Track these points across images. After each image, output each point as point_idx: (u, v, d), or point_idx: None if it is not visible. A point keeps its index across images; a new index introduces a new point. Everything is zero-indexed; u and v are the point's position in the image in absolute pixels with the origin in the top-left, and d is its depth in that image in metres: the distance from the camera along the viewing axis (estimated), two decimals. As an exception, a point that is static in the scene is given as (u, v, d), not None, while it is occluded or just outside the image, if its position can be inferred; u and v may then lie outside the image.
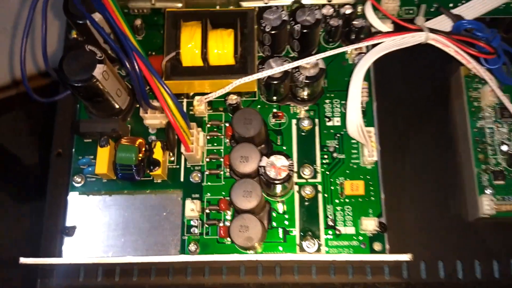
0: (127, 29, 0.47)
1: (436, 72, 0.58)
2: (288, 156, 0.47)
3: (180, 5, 0.56)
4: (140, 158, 0.50)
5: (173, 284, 0.52)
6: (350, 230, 0.50)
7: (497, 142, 0.55)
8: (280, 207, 0.51)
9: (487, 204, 0.52)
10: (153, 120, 0.52)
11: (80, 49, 0.46)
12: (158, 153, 0.50)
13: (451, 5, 0.58)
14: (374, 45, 0.51)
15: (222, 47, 0.50)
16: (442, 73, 0.58)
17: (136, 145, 0.49)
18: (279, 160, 0.46)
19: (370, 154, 0.50)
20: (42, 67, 0.79)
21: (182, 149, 0.50)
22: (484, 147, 0.55)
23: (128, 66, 0.46)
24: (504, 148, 0.54)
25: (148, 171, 0.51)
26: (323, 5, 0.54)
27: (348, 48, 0.50)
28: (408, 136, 0.57)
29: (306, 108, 0.54)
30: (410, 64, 0.58)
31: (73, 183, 0.53)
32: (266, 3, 0.55)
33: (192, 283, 0.51)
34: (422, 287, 0.53)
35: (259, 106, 0.55)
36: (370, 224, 0.49)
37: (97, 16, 0.48)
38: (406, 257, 0.45)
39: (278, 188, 0.48)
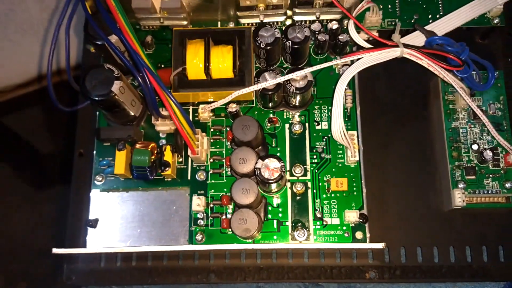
0: (140, 49, 0.53)
1: (417, 77, 0.63)
2: (280, 159, 0.53)
3: (185, 22, 0.62)
4: (152, 160, 0.57)
5: (182, 267, 0.58)
6: (336, 221, 0.57)
7: (470, 141, 0.61)
8: (275, 202, 0.58)
9: (459, 197, 0.57)
10: (163, 126, 0.58)
11: (99, 67, 0.53)
12: (168, 155, 0.57)
13: (430, 16, 0.64)
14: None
15: (223, 62, 0.57)
16: (422, 78, 0.63)
17: (149, 149, 0.56)
18: (272, 163, 0.53)
19: (352, 155, 0.57)
20: (61, 65, 0.84)
21: (189, 152, 0.57)
22: (458, 146, 0.60)
23: (141, 82, 0.53)
24: (475, 147, 0.59)
25: (160, 171, 0.58)
26: (313, 21, 0.61)
27: (333, 63, 0.56)
28: (390, 135, 0.62)
29: (298, 113, 0.61)
30: (394, 70, 0.63)
31: (95, 181, 0.59)
32: (261, 20, 0.62)
33: (199, 266, 0.58)
34: (401, 270, 0.59)
35: (256, 112, 0.61)
36: (352, 216, 0.56)
37: (113, 38, 0.54)
38: (380, 245, 0.51)
39: (272, 186, 0.54)
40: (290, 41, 0.57)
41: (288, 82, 0.56)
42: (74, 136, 0.65)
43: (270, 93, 0.56)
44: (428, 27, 0.59)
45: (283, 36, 0.57)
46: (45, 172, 0.87)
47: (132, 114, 0.58)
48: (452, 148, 0.60)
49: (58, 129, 0.85)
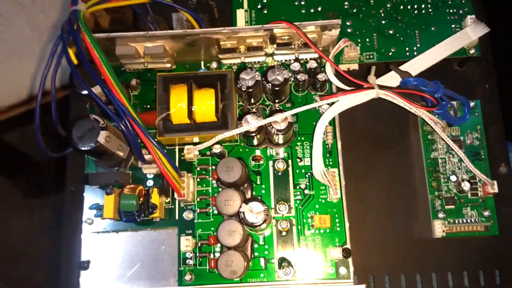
0: (124, 99, 0.55)
1: (396, 108, 0.62)
2: (264, 202, 0.55)
3: (169, 65, 0.63)
4: (140, 203, 0.58)
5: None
6: (320, 257, 0.58)
7: (449, 171, 0.62)
8: (261, 239, 0.60)
9: (439, 228, 0.60)
10: (150, 169, 0.60)
11: (85, 118, 0.55)
12: (155, 198, 0.59)
13: (407, 49, 0.67)
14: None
15: (205, 105, 0.58)
16: (401, 108, 0.64)
17: (136, 193, 0.57)
18: (256, 206, 0.55)
19: (334, 192, 0.59)
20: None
21: (176, 194, 0.58)
22: (437, 176, 0.62)
23: (125, 131, 0.55)
24: (453, 178, 0.61)
25: (148, 213, 0.59)
26: (293, 61, 0.62)
27: (312, 106, 0.58)
28: (370, 165, 0.64)
29: (283, 149, 0.62)
30: (373, 101, 0.64)
31: (85, 224, 0.61)
32: (243, 61, 0.64)
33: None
34: (386, 298, 0.61)
35: (240, 150, 0.62)
36: (335, 252, 0.57)
37: (98, 88, 0.56)
38: (362, 287, 0.53)
39: (259, 228, 0.56)
40: (270, 84, 0.58)
41: (269, 124, 0.57)
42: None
43: (252, 134, 0.58)
44: (403, 66, 0.61)
45: (263, 78, 0.59)
46: (41, 180, 0.88)
47: (120, 157, 0.60)
48: (432, 178, 0.62)
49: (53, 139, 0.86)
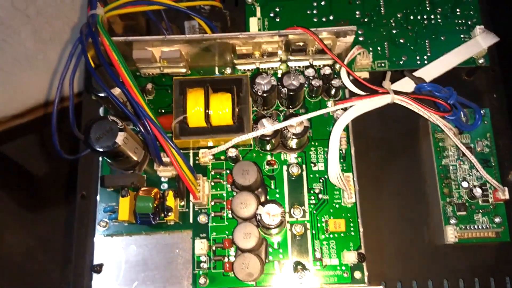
0: (142, 101, 0.55)
1: (407, 115, 0.64)
2: (280, 204, 0.55)
3: (184, 70, 0.64)
4: (155, 205, 0.58)
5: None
6: (335, 261, 0.58)
7: (460, 178, 0.63)
8: (276, 243, 0.60)
9: (451, 234, 0.60)
10: (165, 172, 0.60)
11: (104, 119, 0.55)
12: (170, 200, 0.59)
13: (418, 57, 0.68)
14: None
15: (222, 109, 0.59)
16: (412, 116, 0.64)
17: (152, 195, 0.57)
18: (273, 209, 0.55)
19: (349, 197, 0.59)
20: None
21: (191, 197, 0.58)
22: (449, 182, 0.63)
23: (144, 133, 0.55)
24: (465, 184, 0.62)
25: (163, 216, 0.59)
26: (307, 67, 0.63)
27: (328, 110, 0.59)
28: (383, 172, 0.64)
29: (295, 155, 0.63)
30: (385, 108, 0.64)
31: (99, 227, 0.61)
32: (258, 67, 0.64)
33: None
34: (398, 303, 0.61)
35: (254, 155, 0.63)
36: (350, 256, 0.58)
37: (116, 90, 0.56)
38: (379, 289, 0.53)
39: (274, 231, 0.56)
40: (286, 88, 0.59)
41: (285, 128, 0.58)
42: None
43: (268, 138, 0.58)
44: (417, 73, 0.62)
45: (279, 83, 0.59)
46: (41, 194, 0.87)
47: (135, 160, 0.60)
48: (443, 185, 0.63)
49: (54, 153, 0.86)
